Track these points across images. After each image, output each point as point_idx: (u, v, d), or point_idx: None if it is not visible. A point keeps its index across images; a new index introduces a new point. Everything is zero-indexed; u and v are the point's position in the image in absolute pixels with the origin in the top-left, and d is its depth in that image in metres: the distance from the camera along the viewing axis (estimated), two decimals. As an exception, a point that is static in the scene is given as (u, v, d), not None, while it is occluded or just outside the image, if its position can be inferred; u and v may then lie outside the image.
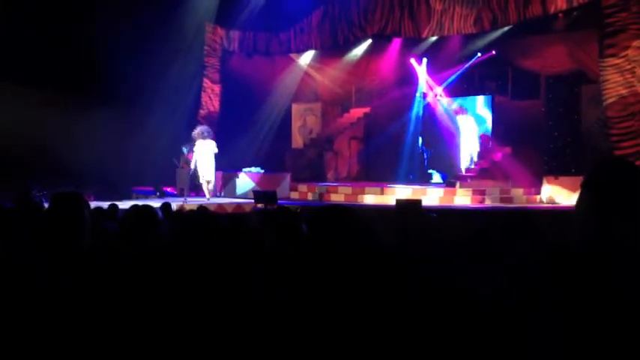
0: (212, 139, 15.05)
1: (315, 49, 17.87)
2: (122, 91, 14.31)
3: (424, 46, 17.06)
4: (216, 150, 14.93)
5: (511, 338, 1.48)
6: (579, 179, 1.75)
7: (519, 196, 14.09)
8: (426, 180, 16.90)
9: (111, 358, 2.36)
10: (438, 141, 17.10)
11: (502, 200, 13.80)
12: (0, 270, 2.53)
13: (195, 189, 15.49)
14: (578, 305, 1.43)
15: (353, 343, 2.04)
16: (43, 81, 13.73)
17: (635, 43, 12.47)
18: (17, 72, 13.89)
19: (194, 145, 14.92)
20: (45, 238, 2.73)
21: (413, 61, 17.58)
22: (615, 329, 1.40)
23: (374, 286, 2.18)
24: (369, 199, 14.49)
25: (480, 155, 15.37)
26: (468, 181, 14.42)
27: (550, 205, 13.40)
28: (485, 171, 14.66)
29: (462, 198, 13.86)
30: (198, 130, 15.05)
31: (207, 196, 14.80)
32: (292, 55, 18.67)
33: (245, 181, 15.78)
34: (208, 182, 14.88)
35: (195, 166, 14.86)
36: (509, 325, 1.49)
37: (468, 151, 16.16)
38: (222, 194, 16.00)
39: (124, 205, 8.58)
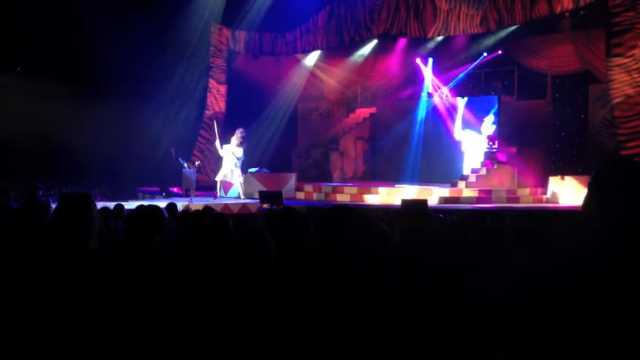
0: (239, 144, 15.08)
1: (321, 49, 17.87)
2: (128, 91, 14.34)
3: (430, 45, 17.04)
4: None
5: (513, 337, 1.48)
6: (586, 179, 1.74)
7: (525, 196, 14.06)
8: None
9: (115, 355, 2.37)
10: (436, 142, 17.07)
11: (508, 200, 13.76)
12: (8, 268, 2.54)
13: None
14: (583, 304, 1.43)
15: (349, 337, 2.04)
16: (49, 80, 13.78)
17: (642, 43, 12.44)
18: (23, 71, 13.96)
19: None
20: (53, 238, 2.74)
21: (419, 61, 17.56)
22: (619, 329, 1.40)
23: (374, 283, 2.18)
24: (375, 199, 14.48)
25: (486, 155, 15.33)
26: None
27: (556, 205, 13.35)
28: (491, 171, 14.62)
29: (469, 198, 13.83)
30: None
31: (219, 193, 14.98)
32: (298, 56, 18.69)
33: (251, 182, 15.78)
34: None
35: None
36: (512, 324, 1.49)
37: (469, 155, 16.22)
38: (227, 195, 16.00)
39: (130, 205, 8.60)
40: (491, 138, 15.67)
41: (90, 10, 14.10)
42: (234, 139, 14.72)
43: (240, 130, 14.89)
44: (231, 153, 14.70)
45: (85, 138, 13.45)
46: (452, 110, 16.96)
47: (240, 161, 14.86)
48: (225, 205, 13.51)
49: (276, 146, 18.82)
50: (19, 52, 14.11)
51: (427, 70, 17.56)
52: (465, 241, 3.36)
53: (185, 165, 15.27)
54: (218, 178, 14.98)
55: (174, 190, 16.07)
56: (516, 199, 13.90)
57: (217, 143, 14.77)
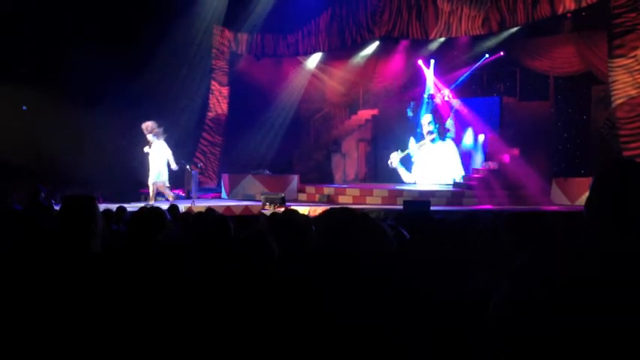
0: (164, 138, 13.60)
1: (323, 51, 17.87)
2: (130, 93, 14.35)
3: (432, 47, 17.04)
4: (168, 152, 13.51)
5: (517, 338, 1.48)
6: (588, 180, 1.74)
7: (528, 198, 14.03)
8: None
9: (118, 357, 2.37)
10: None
11: (510, 202, 13.74)
12: (11, 271, 2.54)
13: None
14: (585, 306, 1.43)
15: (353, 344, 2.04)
16: (49, 83, 13.80)
17: (644, 44, 12.44)
18: (24, 75, 13.97)
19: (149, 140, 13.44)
20: (56, 241, 2.74)
21: (421, 62, 17.56)
22: (620, 332, 1.40)
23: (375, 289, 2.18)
24: (377, 200, 14.47)
25: (488, 157, 15.35)
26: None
27: (559, 206, 13.33)
28: (493, 172, 14.61)
29: (470, 199, 13.82)
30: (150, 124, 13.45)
31: (151, 201, 13.38)
32: (300, 58, 18.69)
33: (253, 183, 15.80)
34: (154, 184, 13.52)
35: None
36: (513, 326, 1.49)
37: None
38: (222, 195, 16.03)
39: (132, 207, 8.60)
40: (493, 139, 15.73)
41: (92, 13, 14.14)
42: (152, 135, 13.32)
43: (147, 123, 13.42)
44: (157, 150, 13.36)
45: (88, 141, 13.46)
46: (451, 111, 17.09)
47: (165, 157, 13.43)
48: (228, 206, 13.52)
49: (278, 148, 18.82)
50: (24, 57, 14.11)
51: (429, 72, 17.58)
52: (466, 242, 3.37)
53: (187, 167, 15.29)
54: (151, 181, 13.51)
55: (177, 191, 16.09)
56: (519, 201, 13.87)
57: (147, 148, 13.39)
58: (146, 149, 13.42)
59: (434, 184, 16.50)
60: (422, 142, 17.02)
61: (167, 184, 13.66)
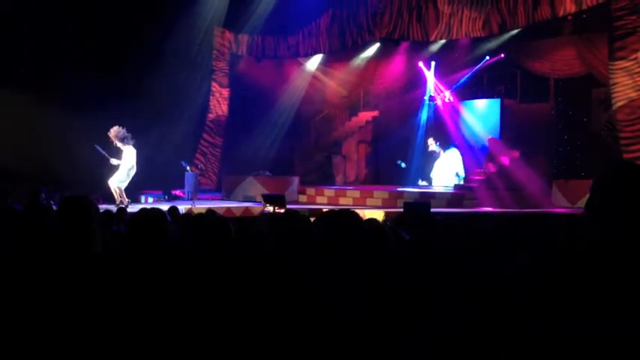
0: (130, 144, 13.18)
1: (324, 52, 17.85)
2: (131, 94, 14.34)
3: (432, 49, 17.03)
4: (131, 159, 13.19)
5: (520, 337, 1.48)
6: (589, 183, 1.74)
7: (528, 200, 14.01)
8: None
9: (118, 358, 2.37)
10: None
11: (511, 204, 13.72)
12: (11, 271, 2.54)
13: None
14: (586, 305, 1.43)
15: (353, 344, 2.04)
16: (49, 84, 13.79)
17: (645, 46, 12.43)
18: (23, 76, 13.96)
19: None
20: (56, 241, 2.74)
21: (421, 64, 17.56)
22: (622, 328, 1.40)
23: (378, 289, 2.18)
24: (377, 202, 14.47)
25: (489, 159, 15.35)
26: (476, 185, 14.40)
27: (559, 208, 13.32)
28: (493, 175, 14.60)
29: (470, 201, 13.82)
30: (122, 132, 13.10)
31: (118, 201, 13.06)
32: (300, 59, 18.69)
33: (253, 185, 15.80)
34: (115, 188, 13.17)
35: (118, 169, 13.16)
36: (518, 322, 1.49)
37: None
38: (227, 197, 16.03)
39: (133, 208, 8.62)
40: (493, 141, 15.73)
41: (93, 14, 14.13)
42: (118, 142, 12.98)
43: (112, 129, 12.99)
44: (125, 155, 13.09)
45: (88, 142, 13.43)
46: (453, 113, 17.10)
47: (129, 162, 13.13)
48: (228, 208, 13.52)
49: (279, 149, 18.79)
50: (24, 58, 14.10)
51: (430, 74, 17.58)
52: (466, 243, 3.36)
53: (188, 168, 15.28)
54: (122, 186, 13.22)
55: (177, 193, 16.10)
56: (519, 203, 13.85)
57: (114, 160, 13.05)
58: (114, 161, 13.04)
59: (437, 186, 16.53)
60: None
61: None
